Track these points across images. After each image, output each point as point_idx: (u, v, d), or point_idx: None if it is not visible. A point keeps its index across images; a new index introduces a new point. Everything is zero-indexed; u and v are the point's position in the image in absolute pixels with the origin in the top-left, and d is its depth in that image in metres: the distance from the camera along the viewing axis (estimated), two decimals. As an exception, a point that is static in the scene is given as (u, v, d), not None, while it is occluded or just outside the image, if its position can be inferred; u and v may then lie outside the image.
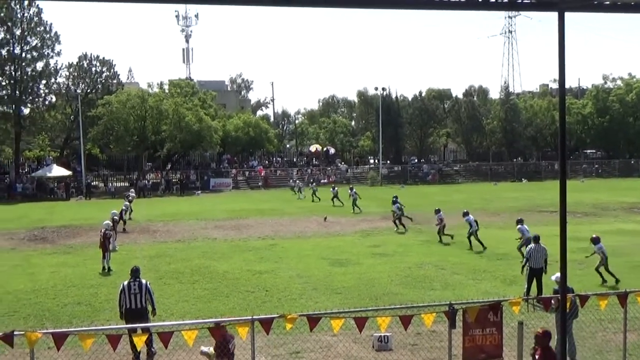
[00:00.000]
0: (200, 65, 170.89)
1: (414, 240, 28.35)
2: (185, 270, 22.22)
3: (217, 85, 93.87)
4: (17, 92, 64.47)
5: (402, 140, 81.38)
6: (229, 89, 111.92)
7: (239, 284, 19.89)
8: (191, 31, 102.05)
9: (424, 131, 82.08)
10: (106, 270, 22.32)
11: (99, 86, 71.69)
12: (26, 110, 68.63)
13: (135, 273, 13.32)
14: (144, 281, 13.25)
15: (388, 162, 79.66)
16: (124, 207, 35.20)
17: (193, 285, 19.79)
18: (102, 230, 23.46)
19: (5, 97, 64.48)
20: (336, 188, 47.64)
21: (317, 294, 18.35)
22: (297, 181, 57.91)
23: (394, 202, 32.65)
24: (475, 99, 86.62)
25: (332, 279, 20.31)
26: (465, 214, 26.08)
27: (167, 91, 71.76)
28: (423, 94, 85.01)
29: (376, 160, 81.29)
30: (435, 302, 14.31)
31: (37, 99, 67.40)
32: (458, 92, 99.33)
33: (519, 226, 22.31)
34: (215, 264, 23.22)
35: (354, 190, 42.28)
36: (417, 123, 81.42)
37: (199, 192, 61.90)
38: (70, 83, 70.83)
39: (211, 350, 11.03)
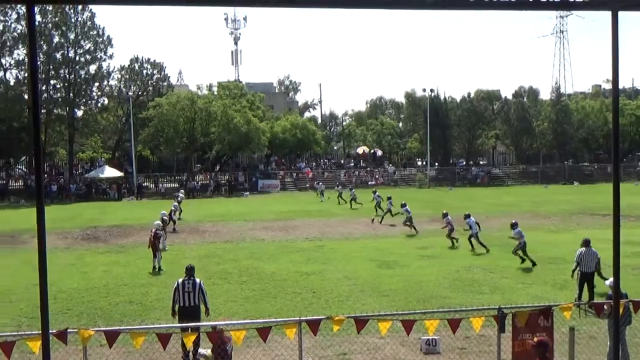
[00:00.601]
0: (248, 67, 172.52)
1: (462, 242, 28.09)
2: (234, 270, 22.43)
3: (265, 87, 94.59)
4: (71, 94, 66.07)
5: (450, 142, 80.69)
6: (276, 90, 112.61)
7: (287, 285, 19.98)
8: (240, 34, 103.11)
9: (472, 133, 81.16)
10: (156, 270, 22.68)
11: (150, 88, 72.93)
12: (79, 113, 70.30)
13: (190, 271, 13.43)
14: (197, 280, 13.35)
15: (436, 164, 79.08)
16: (173, 208, 35.73)
17: (241, 286, 19.96)
18: (153, 230, 23.85)
19: (60, 100, 66.12)
20: (354, 190, 47.96)
21: (364, 296, 18.32)
22: (321, 183, 58.06)
23: (403, 206, 32.72)
24: (525, 100, 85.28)
25: (379, 281, 20.25)
26: (467, 216, 26.30)
27: (215, 93, 72.56)
28: (472, 95, 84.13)
29: (424, 163, 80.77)
30: (484, 306, 14.16)
31: (90, 102, 69.00)
32: (507, 93, 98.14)
33: (516, 229, 22.51)
34: (263, 265, 23.38)
35: (377, 193, 41.72)
36: (466, 125, 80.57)
37: (247, 193, 62.42)
38: (122, 85, 72.23)
39: (209, 352, 11.04)
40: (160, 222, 25.24)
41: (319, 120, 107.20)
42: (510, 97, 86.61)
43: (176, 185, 66.71)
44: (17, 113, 63.95)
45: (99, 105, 70.22)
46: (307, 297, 18.34)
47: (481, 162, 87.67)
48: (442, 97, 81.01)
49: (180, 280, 13.30)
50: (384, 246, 27.56)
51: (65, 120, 66.73)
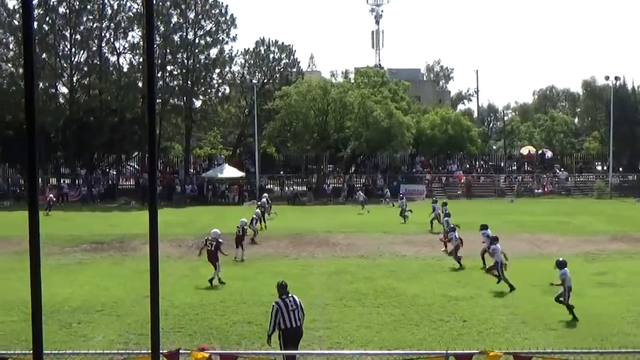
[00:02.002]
0: (391, 51, 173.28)
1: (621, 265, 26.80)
2: (369, 291, 22.54)
3: (411, 74, 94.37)
4: (188, 82, 68.74)
5: (638, 143, 77.12)
6: (424, 78, 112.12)
7: (431, 310, 19.84)
8: (382, 11, 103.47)
9: (670, 131, 77.18)
10: (211, 285, 23.36)
11: (277, 75, 74.68)
12: (197, 103, 73.01)
13: (285, 288, 13.96)
14: (295, 296, 13.89)
15: (620, 169, 75.80)
16: (255, 216, 36.66)
17: (377, 310, 20.02)
18: (209, 239, 24.70)
19: (176, 88, 68.94)
20: (404, 199, 46.83)
21: (526, 328, 17.89)
22: (360, 192, 57.12)
23: (446, 215, 32.95)
24: None
25: (545, 311, 19.69)
26: (483, 227, 27.85)
27: (352, 81, 73.21)
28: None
29: (604, 167, 77.69)
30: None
31: (209, 90, 71.50)
32: None
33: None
34: (404, 286, 23.34)
35: (437, 203, 41.34)
36: (661, 121, 76.76)
37: (388, 195, 62.51)
38: (245, 72, 74.45)
39: None
40: (217, 231, 25.90)
41: (475, 114, 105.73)
42: None
43: (304, 188, 67.91)
44: (130, 103, 67.56)
45: (220, 94, 72.67)
46: (455, 326, 18.12)
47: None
48: (629, 87, 77.57)
49: (279, 300, 13.77)
50: (550, 268, 26.72)
51: (182, 111, 69.61)
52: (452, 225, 30.13)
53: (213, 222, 43.90)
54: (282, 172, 73.36)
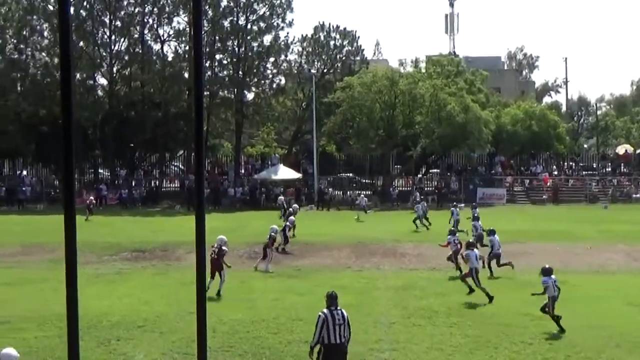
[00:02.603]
0: (467, 37, 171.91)
1: None
2: (441, 308, 22.41)
3: (490, 62, 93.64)
4: (240, 72, 69.29)
5: None
6: (505, 67, 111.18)
7: (511, 331, 19.64)
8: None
9: None
10: (215, 296, 23.48)
11: (338, 65, 74.74)
12: (250, 96, 73.56)
13: (335, 299, 14.02)
14: (342, 310, 13.98)
15: None
16: (288, 224, 36.73)
17: (450, 329, 19.89)
18: (216, 246, 25.04)
19: (226, 80, 69.50)
20: (425, 205, 47.46)
21: (621, 352, 17.61)
22: (362, 196, 56.51)
23: (475, 219, 34.86)
24: None
25: (644, 333, 19.36)
26: (491, 232, 29.16)
27: (423, 70, 72.88)
28: None
29: None
30: None
31: (263, 81, 71.97)
32: None
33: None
34: (480, 303, 23.15)
35: (458, 209, 42.15)
36: None
37: (462, 204, 61.95)
38: (303, 61, 74.69)
39: None
40: (224, 238, 26.23)
41: (563, 108, 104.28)
42: None
43: (368, 192, 67.78)
44: (175, 96, 68.37)
45: (274, 86, 73.08)
46: (540, 349, 17.92)
47: None
48: None
49: (326, 312, 13.84)
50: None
51: (232, 104, 70.24)
52: (452, 229, 31.63)
53: (266, 229, 44.11)
54: (343, 174, 73.30)
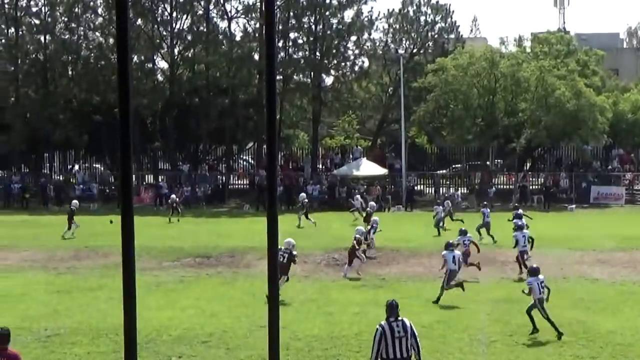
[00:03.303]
0: (580, 11, 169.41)
1: None
2: (547, 324, 22.19)
3: (606, 40, 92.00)
4: (317, 53, 69.36)
5: None
6: (624, 45, 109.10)
7: (632, 353, 19.36)
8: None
9: None
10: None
11: (430, 44, 74.24)
12: (328, 80, 73.57)
13: (394, 309, 14.30)
14: (406, 320, 14.19)
15: None
16: (374, 224, 36.62)
17: (559, 350, 19.70)
18: (284, 250, 25.69)
19: (302, 62, 69.62)
20: (450, 205, 48.33)
21: None
22: (358, 197, 55.57)
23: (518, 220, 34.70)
24: None
25: None
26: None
27: (528, 50, 72.00)
28: None
29: None
30: None
31: (343, 63, 71.79)
32: None
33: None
34: (595, 319, 22.86)
35: (488, 211, 42.10)
36: None
37: (573, 206, 61.26)
38: (389, 40, 74.38)
39: None
40: (292, 241, 26.84)
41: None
42: None
43: (464, 190, 67.26)
44: (244, 80, 68.72)
45: (356, 68, 72.85)
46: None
47: None
48: None
49: (384, 324, 14.10)
50: None
51: (308, 90, 70.26)
52: (463, 229, 33.01)
53: (347, 232, 44.15)
54: (435, 170, 72.80)
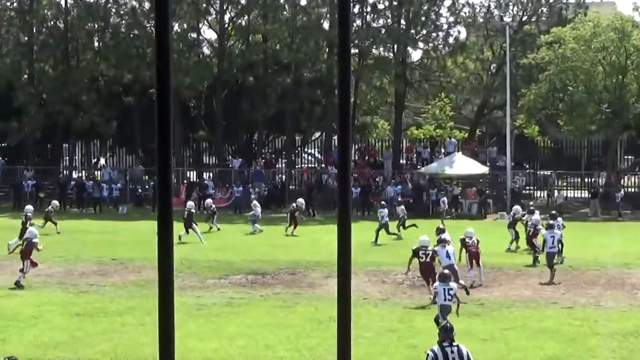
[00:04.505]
0: None
1: None
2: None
3: None
4: (401, 22, 69.21)
5: None
6: None
7: None
8: None
9: None
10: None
11: (543, 10, 73.64)
12: (416, 55, 73.41)
13: (449, 332, 14.78)
14: (462, 347, 14.62)
15: None
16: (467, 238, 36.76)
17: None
18: (430, 250, 26.78)
19: (382, 32, 69.46)
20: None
21: None
22: (445, 200, 55.27)
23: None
24: None
25: None
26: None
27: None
28: None
29: None
30: None
31: (434, 34, 71.61)
32: None
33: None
34: None
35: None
36: None
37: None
38: (491, 5, 73.87)
39: None
40: (427, 238, 28.51)
41: None
42: None
43: (584, 193, 66.58)
44: (310, 54, 68.59)
45: (451, 40, 72.55)
46: None
47: None
48: None
49: (437, 349, 14.58)
50: None
51: (390, 67, 70.09)
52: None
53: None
54: (547, 168, 72.14)
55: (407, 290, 32.43)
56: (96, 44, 71.85)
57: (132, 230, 47.26)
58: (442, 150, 73.27)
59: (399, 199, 58.58)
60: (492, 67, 74.12)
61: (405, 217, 49.88)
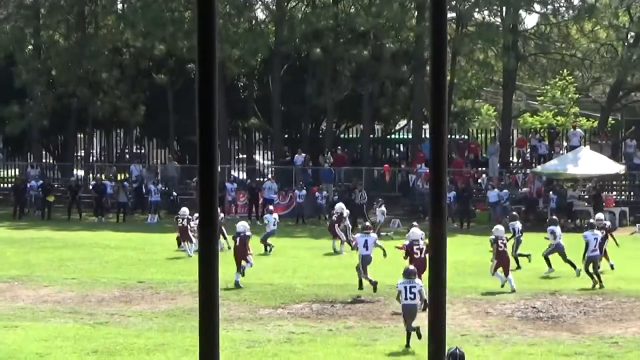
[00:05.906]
0: None
1: None
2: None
3: None
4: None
5: None
6: None
7: None
8: None
9: None
10: None
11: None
12: (529, 20, 73.57)
13: None
14: None
15: None
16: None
17: None
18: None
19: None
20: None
21: None
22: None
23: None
24: None
25: None
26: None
27: None
28: None
29: None
30: None
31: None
32: None
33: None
34: None
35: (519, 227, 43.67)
36: None
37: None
38: (630, -43, 73.72)
39: None
40: None
41: None
42: None
43: None
44: (393, 20, 68.53)
45: (575, 2, 72.33)
46: None
47: None
48: None
49: None
50: None
51: (497, 36, 69.95)
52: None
53: (560, 263, 43.58)
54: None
55: (518, 324, 32.34)
56: (119, 5, 72.15)
57: (164, 245, 47.46)
58: (565, 144, 72.89)
59: (511, 207, 58.57)
60: (629, 37, 73.76)
61: (521, 237, 48.60)
